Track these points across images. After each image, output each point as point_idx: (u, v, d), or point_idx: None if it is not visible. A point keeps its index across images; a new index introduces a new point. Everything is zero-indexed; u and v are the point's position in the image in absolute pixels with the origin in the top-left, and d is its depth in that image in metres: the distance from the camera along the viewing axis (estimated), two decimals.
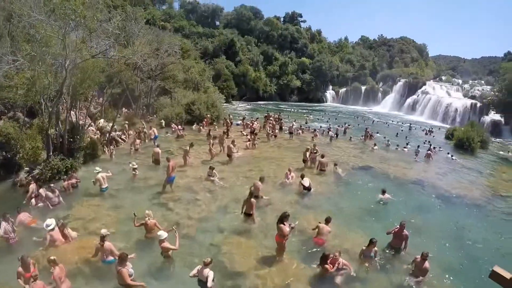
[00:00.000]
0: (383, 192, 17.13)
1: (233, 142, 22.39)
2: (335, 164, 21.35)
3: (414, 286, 10.36)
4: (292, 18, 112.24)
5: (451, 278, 11.00)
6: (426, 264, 10.41)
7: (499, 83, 68.14)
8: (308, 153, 21.93)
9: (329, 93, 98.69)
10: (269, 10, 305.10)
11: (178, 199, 14.81)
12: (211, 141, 22.87)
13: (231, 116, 35.80)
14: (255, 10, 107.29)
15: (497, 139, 53.86)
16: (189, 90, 40.58)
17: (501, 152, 41.69)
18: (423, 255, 10.42)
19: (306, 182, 16.83)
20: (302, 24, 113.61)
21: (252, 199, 12.83)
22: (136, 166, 17.54)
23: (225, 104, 54.01)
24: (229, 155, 21.68)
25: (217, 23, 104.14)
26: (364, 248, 10.92)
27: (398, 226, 11.94)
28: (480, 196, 20.46)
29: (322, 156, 21.22)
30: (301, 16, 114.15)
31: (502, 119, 61.92)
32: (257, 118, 39.30)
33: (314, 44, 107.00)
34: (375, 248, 10.88)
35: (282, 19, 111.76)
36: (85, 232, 11.46)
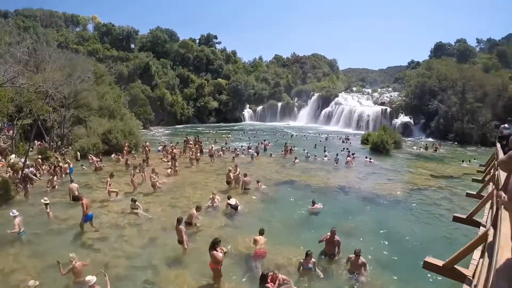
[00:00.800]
0: (313, 203, 17.76)
1: (153, 170, 21.87)
2: (258, 182, 21.89)
3: (355, 283, 10.85)
4: (208, 40, 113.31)
5: (388, 272, 11.62)
6: (361, 259, 11.08)
7: (405, 89, 76.52)
8: (231, 174, 22.10)
9: (247, 111, 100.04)
10: (184, 32, 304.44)
11: (103, 238, 13.96)
12: (132, 171, 22.01)
13: (147, 143, 34.78)
14: (170, 32, 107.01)
15: (409, 138, 60.16)
16: (104, 118, 39.04)
17: (414, 148, 46.55)
18: (356, 252, 11.14)
19: (233, 201, 17.13)
20: (217, 46, 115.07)
21: (180, 226, 12.59)
22: (47, 202, 16.22)
23: (143, 130, 52.69)
24: (153, 185, 21.04)
25: (132, 46, 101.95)
26: (302, 261, 11.14)
27: (329, 233, 12.40)
28: (401, 192, 22.35)
29: (245, 175, 21.65)
30: (216, 38, 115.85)
31: (411, 120, 69.34)
32: (177, 143, 38.74)
33: (230, 65, 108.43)
34: (313, 260, 11.15)
35: (197, 41, 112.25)
36: (7, 287, 10.38)
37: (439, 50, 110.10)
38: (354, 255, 11.16)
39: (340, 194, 21.69)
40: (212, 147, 33.58)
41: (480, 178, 18.83)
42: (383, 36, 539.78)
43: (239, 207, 17.17)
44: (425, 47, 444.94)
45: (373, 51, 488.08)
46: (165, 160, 30.06)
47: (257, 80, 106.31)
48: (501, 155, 12.13)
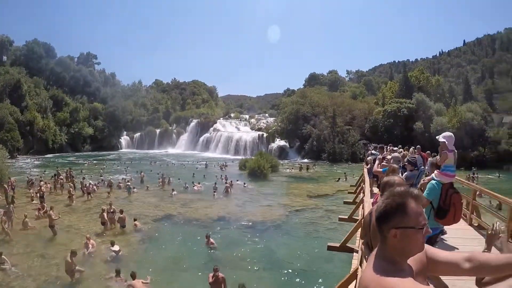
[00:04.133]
0: (207, 237, 17.05)
1: (26, 216, 19.54)
2: (135, 220, 20.40)
3: None
4: (87, 59, 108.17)
5: None
6: None
7: (280, 115, 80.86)
8: (105, 214, 20.08)
9: (124, 139, 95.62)
10: (63, 48, 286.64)
11: None
12: (1, 216, 18.89)
13: (13, 178, 30.29)
14: (48, 47, 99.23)
15: (285, 161, 63.95)
16: None
17: (287, 170, 49.57)
18: (240, 286, 11.03)
19: (116, 247, 15.62)
20: (96, 66, 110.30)
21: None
22: None
23: (10, 160, 47.44)
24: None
25: (5, 58, 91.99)
26: None
27: (212, 273, 12.02)
28: (279, 216, 23.06)
29: (121, 212, 20.28)
30: (96, 58, 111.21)
31: (287, 144, 74.59)
32: (52, 177, 35.40)
33: (107, 88, 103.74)
34: None
35: (76, 60, 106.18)
36: None
37: (312, 79, 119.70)
38: None
39: (221, 225, 21.59)
40: (90, 183, 30.67)
41: (351, 200, 19.95)
42: (261, 65, 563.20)
43: (120, 252, 15.73)
44: (300, 76, 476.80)
45: (252, 78, 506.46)
46: (34, 199, 26.50)
47: (135, 105, 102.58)
48: (366, 178, 13.13)
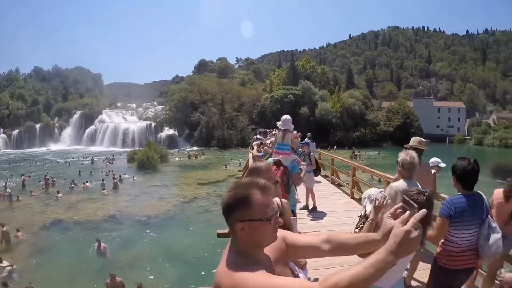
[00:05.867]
0: (99, 242, 16.37)
1: None
2: (17, 230, 18.77)
3: None
4: None
5: None
6: None
7: (169, 103, 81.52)
8: None
9: (0, 137, 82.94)
10: None
11: None
12: None
13: None
14: None
15: (175, 150, 63.25)
16: None
17: (176, 158, 50.33)
18: (138, 287, 11.05)
19: (5, 263, 14.40)
20: None
21: None
22: None
23: None
24: None
25: None
26: None
27: (108, 279, 11.72)
28: (172, 208, 23.18)
29: (3, 226, 18.68)
30: None
31: (176, 132, 74.68)
32: None
33: None
34: None
35: None
36: None
37: (202, 66, 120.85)
38: None
39: (113, 225, 20.96)
40: None
41: None
42: (150, 51, 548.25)
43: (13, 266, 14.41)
44: (189, 63, 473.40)
45: (139, 65, 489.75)
46: None
47: (12, 97, 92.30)
48: (251, 163, 13.72)
